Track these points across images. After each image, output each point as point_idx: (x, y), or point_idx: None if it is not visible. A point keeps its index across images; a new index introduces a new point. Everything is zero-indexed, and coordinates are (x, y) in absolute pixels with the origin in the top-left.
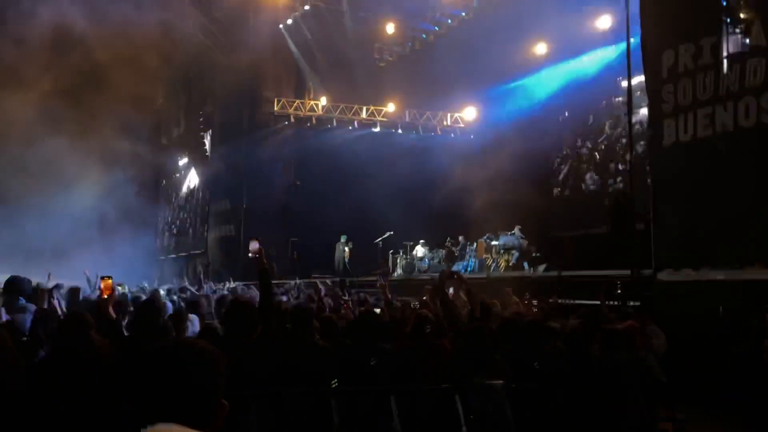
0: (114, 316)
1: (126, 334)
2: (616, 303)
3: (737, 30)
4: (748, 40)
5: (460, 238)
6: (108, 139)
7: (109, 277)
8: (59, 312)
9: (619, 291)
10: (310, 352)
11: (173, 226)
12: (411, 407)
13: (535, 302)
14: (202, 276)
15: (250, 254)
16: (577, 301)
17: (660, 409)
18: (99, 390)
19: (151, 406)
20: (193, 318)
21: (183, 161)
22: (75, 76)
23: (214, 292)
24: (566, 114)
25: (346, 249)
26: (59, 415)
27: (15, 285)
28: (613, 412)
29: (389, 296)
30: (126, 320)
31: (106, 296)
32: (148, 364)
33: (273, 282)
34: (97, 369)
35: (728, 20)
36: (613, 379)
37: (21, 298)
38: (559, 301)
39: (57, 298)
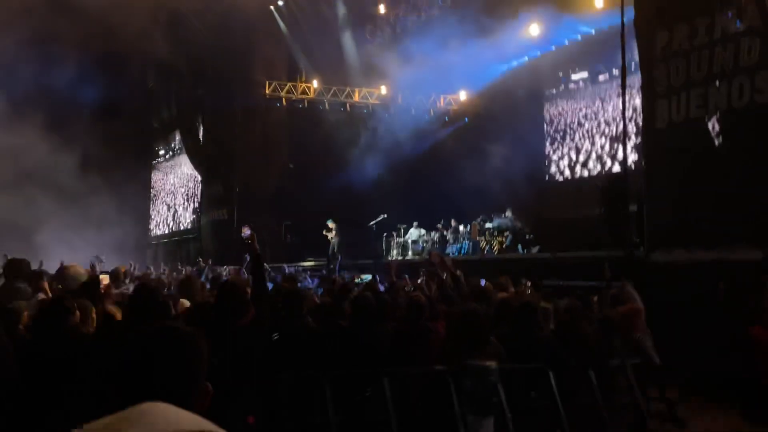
0: (113, 311)
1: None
2: (605, 283)
3: (731, 10)
4: (741, 20)
5: (452, 221)
6: (98, 123)
7: (106, 273)
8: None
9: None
10: (302, 335)
11: (166, 210)
12: (404, 389)
13: (528, 284)
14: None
15: (244, 238)
16: (571, 283)
17: (653, 389)
18: (77, 376)
19: (132, 389)
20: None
21: (175, 144)
22: (64, 55)
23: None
24: (559, 94)
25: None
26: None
27: (14, 267)
28: (605, 394)
29: (395, 278)
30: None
31: (104, 291)
32: (129, 348)
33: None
34: (75, 353)
35: (722, 0)
36: (606, 361)
37: (21, 280)
38: (559, 283)
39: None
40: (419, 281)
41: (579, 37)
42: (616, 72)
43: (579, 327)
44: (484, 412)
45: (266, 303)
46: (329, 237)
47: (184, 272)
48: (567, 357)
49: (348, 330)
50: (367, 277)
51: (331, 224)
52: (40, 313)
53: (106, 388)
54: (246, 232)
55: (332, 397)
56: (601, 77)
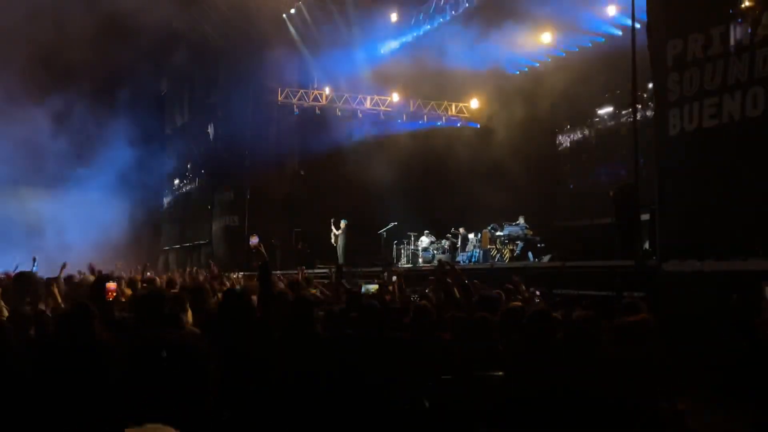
0: (119, 316)
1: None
2: (614, 294)
3: (745, 19)
4: (756, 30)
5: (461, 229)
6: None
7: (111, 279)
8: (59, 302)
9: (618, 282)
10: (310, 342)
11: (177, 216)
12: (411, 398)
13: (538, 293)
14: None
15: (251, 247)
16: (582, 292)
17: (664, 400)
18: (97, 381)
19: (140, 402)
20: None
21: (187, 151)
22: (78, 61)
23: None
24: (572, 102)
25: (336, 231)
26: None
27: (24, 280)
28: (615, 405)
29: (402, 287)
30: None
31: (111, 299)
32: (138, 360)
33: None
34: (98, 360)
35: (736, 9)
36: (618, 372)
37: (29, 294)
38: (562, 291)
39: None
40: (426, 290)
41: (590, 44)
42: None
43: (593, 338)
44: (492, 423)
45: (273, 310)
46: (335, 233)
47: (197, 275)
48: (577, 367)
49: (355, 338)
50: (374, 286)
51: (342, 224)
52: (62, 317)
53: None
54: (253, 241)
55: (337, 408)
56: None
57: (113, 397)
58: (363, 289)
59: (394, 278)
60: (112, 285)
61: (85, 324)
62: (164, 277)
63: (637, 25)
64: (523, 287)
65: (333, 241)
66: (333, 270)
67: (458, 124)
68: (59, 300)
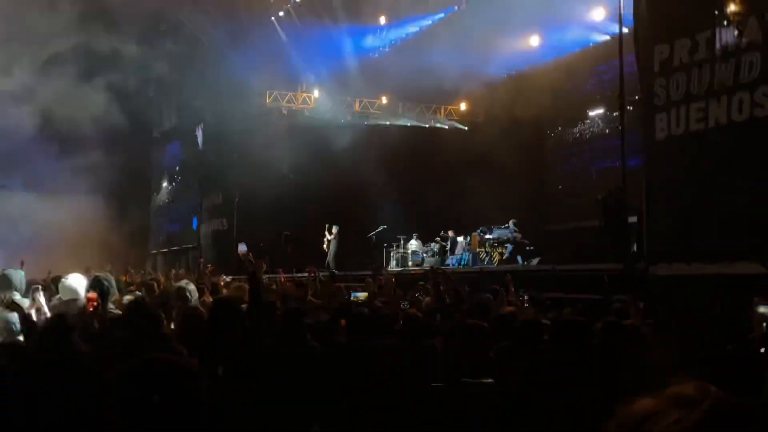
0: (99, 328)
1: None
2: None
3: (731, 24)
4: (742, 35)
5: (450, 233)
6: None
7: (95, 289)
8: (45, 310)
9: (606, 284)
10: (300, 352)
11: (165, 220)
12: (401, 406)
13: (526, 297)
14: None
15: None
16: (571, 295)
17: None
18: (77, 396)
19: (127, 421)
20: None
21: (175, 154)
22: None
23: None
24: (560, 105)
25: (328, 236)
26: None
27: (7, 280)
28: (605, 410)
29: (393, 292)
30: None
31: (91, 309)
32: (125, 381)
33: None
34: (78, 374)
35: (722, 14)
36: (609, 376)
37: (16, 292)
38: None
39: (42, 293)
40: (417, 294)
41: (578, 48)
42: None
43: (583, 341)
44: (482, 429)
45: (261, 318)
46: (327, 239)
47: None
48: (567, 372)
49: (344, 347)
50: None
51: (334, 229)
52: (41, 332)
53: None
54: (242, 248)
55: (329, 414)
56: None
57: (92, 412)
58: (352, 296)
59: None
60: (92, 295)
61: (64, 336)
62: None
63: (625, 30)
64: (512, 288)
65: (325, 246)
66: (325, 275)
67: (447, 127)
68: (43, 306)
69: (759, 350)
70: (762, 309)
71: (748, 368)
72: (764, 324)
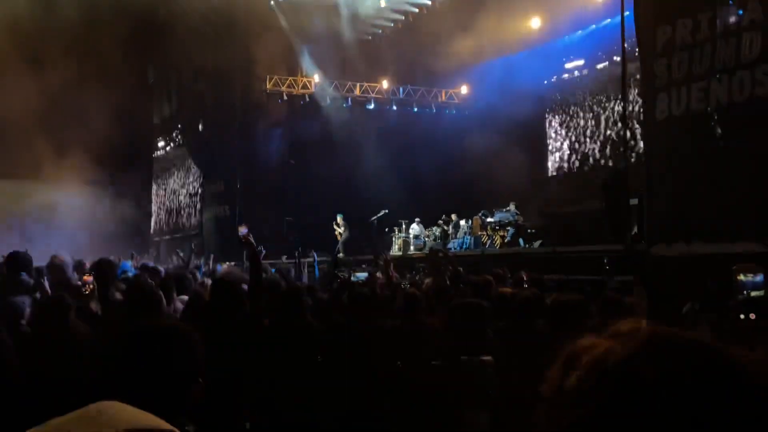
0: (96, 311)
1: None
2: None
3: (733, 3)
4: (744, 14)
5: (453, 216)
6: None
7: (90, 274)
8: (48, 293)
9: (607, 267)
10: (300, 331)
11: (168, 207)
12: (400, 384)
13: (525, 277)
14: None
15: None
16: (572, 277)
17: None
18: (75, 373)
19: (124, 386)
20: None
21: (176, 141)
22: (62, 53)
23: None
24: (563, 89)
25: (338, 229)
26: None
27: (16, 260)
28: None
29: (392, 274)
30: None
31: (87, 292)
32: (125, 345)
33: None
34: (74, 352)
35: None
36: None
37: (23, 273)
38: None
39: (46, 278)
40: (417, 276)
41: (579, 31)
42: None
43: (580, 319)
44: (480, 407)
45: (262, 299)
46: (339, 231)
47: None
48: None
49: (344, 326)
50: (363, 275)
51: (340, 219)
52: (39, 310)
53: (100, 385)
54: (242, 230)
55: (329, 393)
56: (600, 66)
57: (87, 390)
58: (353, 278)
59: (382, 263)
60: (88, 278)
61: (61, 316)
62: None
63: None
64: (509, 275)
65: (338, 236)
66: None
67: (448, 111)
68: (47, 290)
69: (738, 317)
70: (742, 276)
71: (729, 336)
72: (744, 291)
